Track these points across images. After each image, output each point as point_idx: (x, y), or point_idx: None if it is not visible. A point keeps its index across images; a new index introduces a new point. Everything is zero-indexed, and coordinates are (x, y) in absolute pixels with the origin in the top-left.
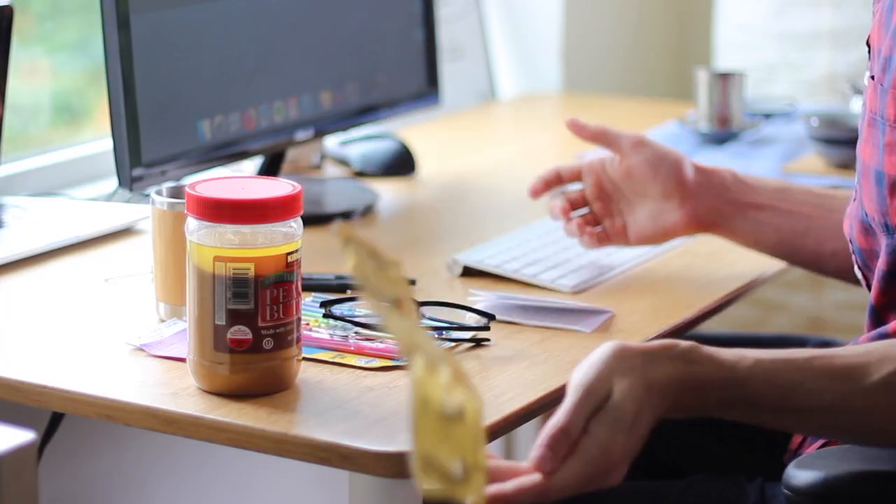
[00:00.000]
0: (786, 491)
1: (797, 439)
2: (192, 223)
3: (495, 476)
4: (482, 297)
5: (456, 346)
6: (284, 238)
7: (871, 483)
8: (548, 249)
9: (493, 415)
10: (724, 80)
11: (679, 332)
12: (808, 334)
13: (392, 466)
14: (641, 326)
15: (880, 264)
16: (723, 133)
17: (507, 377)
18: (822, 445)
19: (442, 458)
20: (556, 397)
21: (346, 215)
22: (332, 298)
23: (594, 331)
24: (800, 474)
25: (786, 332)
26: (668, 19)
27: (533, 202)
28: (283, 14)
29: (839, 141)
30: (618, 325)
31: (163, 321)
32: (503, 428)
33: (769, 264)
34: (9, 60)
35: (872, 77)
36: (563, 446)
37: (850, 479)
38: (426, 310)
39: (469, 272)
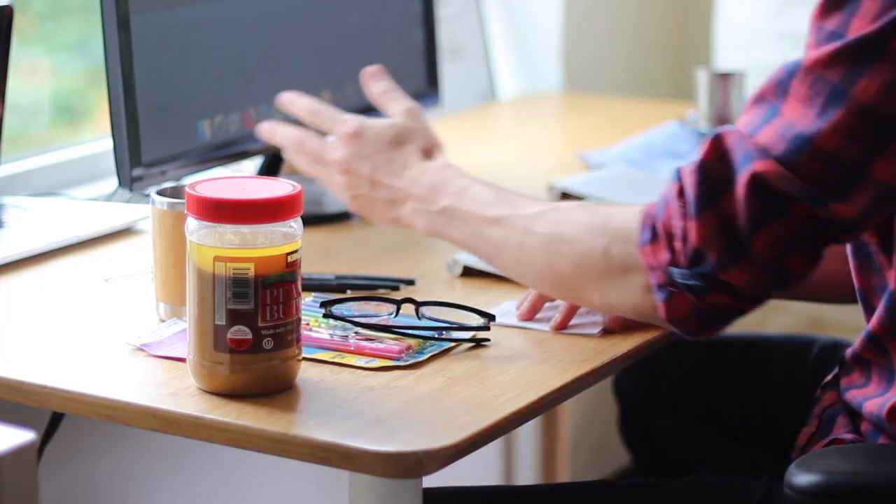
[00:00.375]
0: (787, 491)
1: (804, 437)
2: (191, 223)
3: None
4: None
5: (456, 345)
6: (284, 238)
7: (872, 483)
8: None
9: (493, 415)
10: (724, 80)
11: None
12: (815, 334)
13: (392, 466)
14: (641, 326)
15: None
16: None
17: (507, 377)
18: (828, 444)
19: None
20: (556, 397)
21: (345, 215)
22: (333, 298)
23: (600, 333)
24: (801, 474)
25: (787, 332)
26: (668, 19)
27: None
28: (283, 14)
29: None
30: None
31: (163, 321)
32: (503, 428)
33: None
34: (9, 60)
35: None
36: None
37: (852, 479)
38: (426, 310)
39: (469, 272)
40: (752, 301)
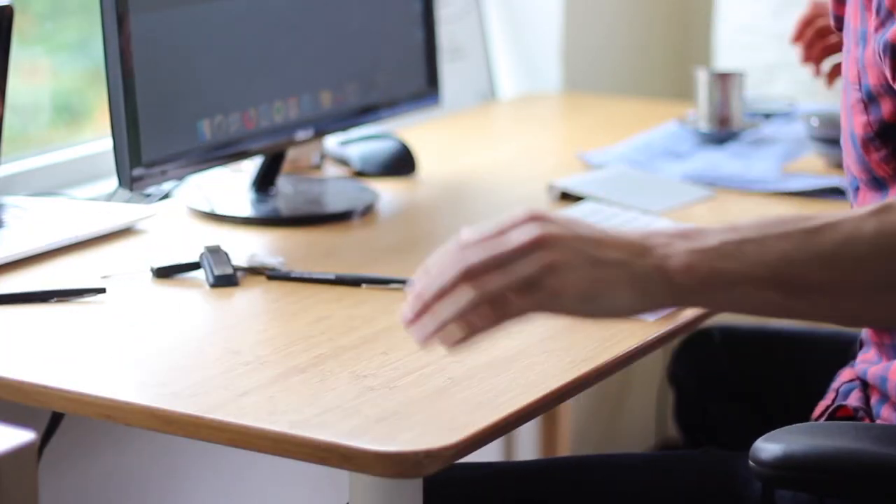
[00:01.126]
0: (751, 463)
1: (819, 410)
2: None
3: None
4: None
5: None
6: None
7: (830, 459)
8: None
9: (493, 415)
10: (724, 80)
11: (680, 331)
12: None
13: (392, 466)
14: (643, 326)
15: None
16: (723, 133)
17: (507, 377)
18: (833, 411)
19: None
20: (556, 397)
21: (346, 215)
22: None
23: (657, 319)
24: (763, 448)
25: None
26: (668, 19)
27: (533, 202)
28: (283, 14)
29: (839, 141)
30: (619, 325)
31: None
32: (503, 428)
33: None
34: (9, 60)
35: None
36: None
37: (808, 453)
38: None
39: None
40: None
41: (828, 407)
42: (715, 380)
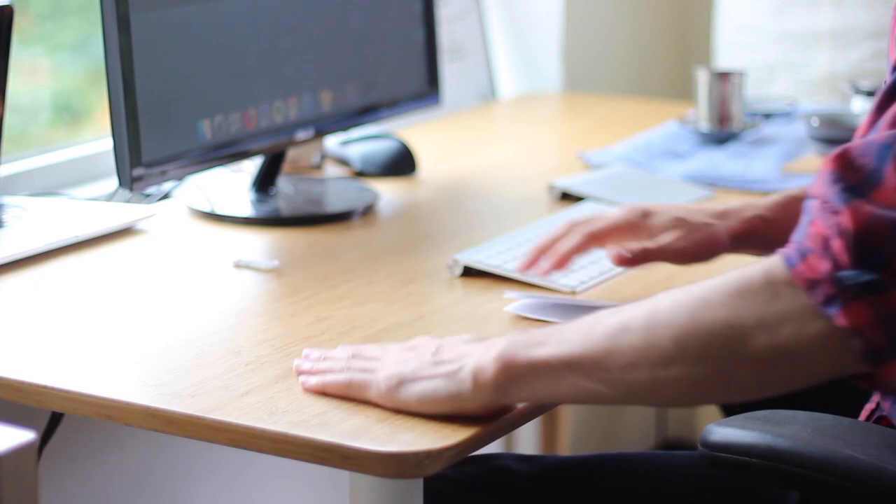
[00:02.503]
0: (700, 447)
1: (864, 413)
2: None
3: None
4: (516, 297)
5: None
6: None
7: (766, 446)
8: None
9: (493, 415)
10: (724, 79)
11: None
12: None
13: (392, 466)
14: None
15: None
16: (723, 133)
17: None
18: (872, 412)
19: None
20: None
21: (346, 215)
22: None
23: None
24: (712, 432)
25: None
26: (668, 19)
27: (533, 202)
28: (283, 14)
29: (839, 141)
30: None
31: None
32: (503, 428)
33: None
34: (9, 60)
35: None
36: None
37: (754, 440)
38: None
39: (469, 272)
40: None
41: (873, 410)
42: None
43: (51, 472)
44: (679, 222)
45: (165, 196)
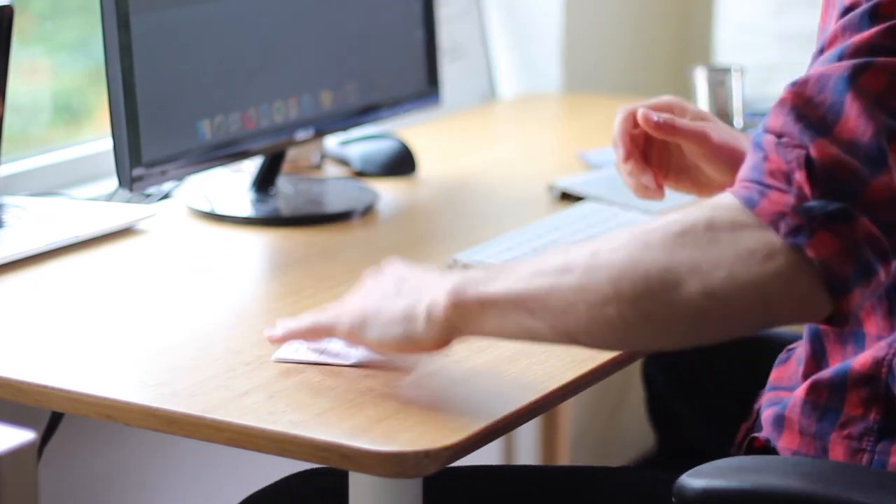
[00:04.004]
0: (673, 500)
1: (742, 433)
2: None
3: None
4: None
5: None
6: None
7: (750, 497)
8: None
9: (493, 415)
10: (723, 75)
11: None
12: None
13: (392, 466)
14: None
15: None
16: None
17: (507, 377)
18: (749, 442)
19: None
20: (556, 397)
21: (346, 215)
22: None
23: (419, 366)
24: (688, 483)
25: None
26: (668, 19)
27: (533, 202)
28: (283, 14)
29: None
30: None
31: None
32: (503, 428)
33: None
34: (9, 60)
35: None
36: None
37: (731, 491)
38: None
39: None
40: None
41: (749, 429)
42: (684, 380)
43: (51, 472)
44: (712, 119)
45: (165, 196)
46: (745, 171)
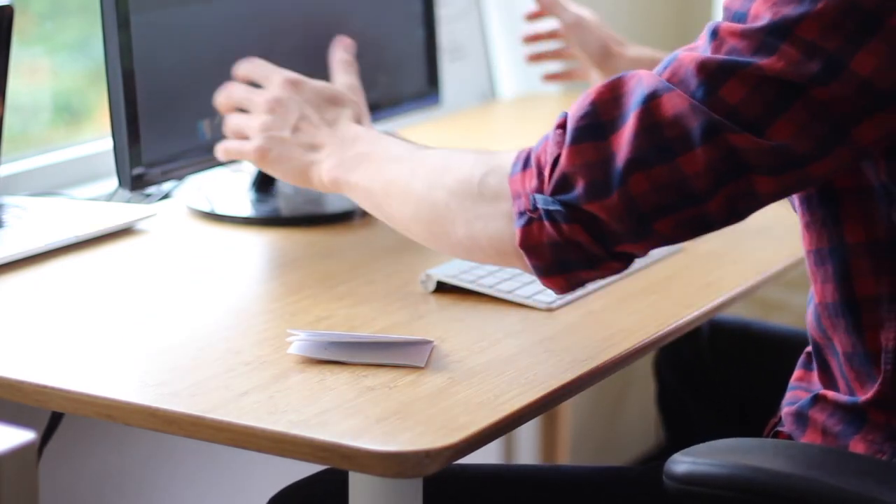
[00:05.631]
0: (664, 478)
1: (769, 429)
2: None
3: None
4: (297, 336)
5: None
6: None
7: (733, 479)
8: None
9: (493, 415)
10: None
11: (679, 331)
12: None
13: (392, 466)
14: (641, 326)
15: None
16: None
17: (507, 377)
18: (772, 429)
19: None
20: (556, 397)
21: (346, 215)
22: None
23: (427, 364)
24: (678, 461)
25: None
26: (668, 19)
27: None
28: (283, 14)
29: None
30: (618, 325)
31: None
32: (503, 428)
33: (770, 264)
34: (9, 60)
35: None
36: None
37: (714, 473)
38: None
39: (443, 287)
40: (613, 256)
41: (775, 424)
42: (696, 375)
43: (51, 472)
44: (621, 42)
45: (165, 196)
46: (539, 139)
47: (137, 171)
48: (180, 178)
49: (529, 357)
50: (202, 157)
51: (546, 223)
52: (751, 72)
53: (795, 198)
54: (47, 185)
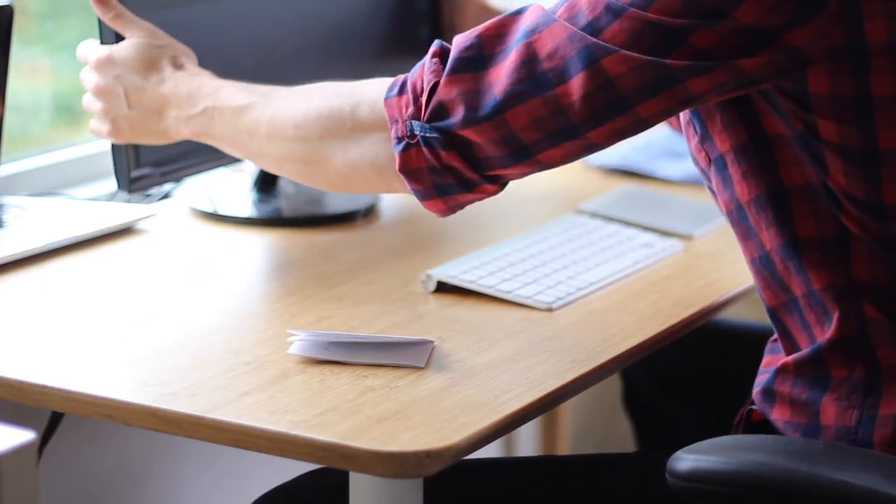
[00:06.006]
0: (667, 476)
1: (739, 415)
2: None
3: None
4: (298, 336)
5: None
6: None
7: (739, 474)
8: (526, 264)
9: (493, 415)
10: None
11: (679, 331)
12: None
13: (393, 466)
14: (641, 326)
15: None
16: None
17: (507, 377)
18: (746, 415)
19: None
20: (556, 397)
21: (348, 216)
22: None
23: (427, 364)
24: (681, 459)
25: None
26: None
27: (536, 203)
28: (283, 14)
29: None
30: (618, 325)
31: None
32: (503, 428)
33: None
34: (9, 60)
35: None
36: None
37: (720, 469)
38: None
39: (443, 287)
40: (487, 179)
41: (747, 411)
42: (663, 373)
43: (51, 472)
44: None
45: (166, 196)
46: (418, 64)
47: (137, 171)
48: (180, 178)
49: (529, 357)
50: (202, 157)
51: (424, 149)
52: (631, 14)
53: (730, 152)
54: (47, 185)
